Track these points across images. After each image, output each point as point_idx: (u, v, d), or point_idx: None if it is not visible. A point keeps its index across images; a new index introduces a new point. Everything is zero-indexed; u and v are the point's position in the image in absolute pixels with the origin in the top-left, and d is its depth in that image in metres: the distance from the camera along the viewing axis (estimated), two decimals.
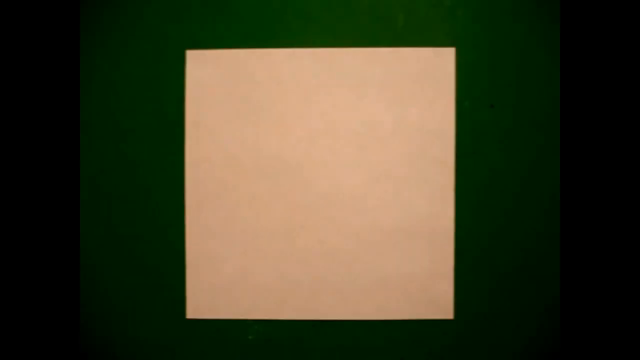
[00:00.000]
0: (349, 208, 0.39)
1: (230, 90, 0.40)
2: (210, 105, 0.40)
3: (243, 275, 0.40)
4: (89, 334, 0.37)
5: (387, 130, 0.39)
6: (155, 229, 0.39)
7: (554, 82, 0.39)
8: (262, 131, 0.40)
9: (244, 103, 0.40)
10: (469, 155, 0.40)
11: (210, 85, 0.40)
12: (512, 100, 0.39)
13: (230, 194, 0.40)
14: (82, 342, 0.38)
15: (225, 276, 0.40)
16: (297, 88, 0.40)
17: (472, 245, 0.40)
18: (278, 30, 0.40)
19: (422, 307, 0.40)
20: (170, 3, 0.40)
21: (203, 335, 0.40)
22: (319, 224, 0.40)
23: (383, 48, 0.39)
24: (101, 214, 0.40)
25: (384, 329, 0.40)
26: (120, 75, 0.40)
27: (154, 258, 0.40)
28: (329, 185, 0.40)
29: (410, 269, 0.39)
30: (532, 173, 0.40)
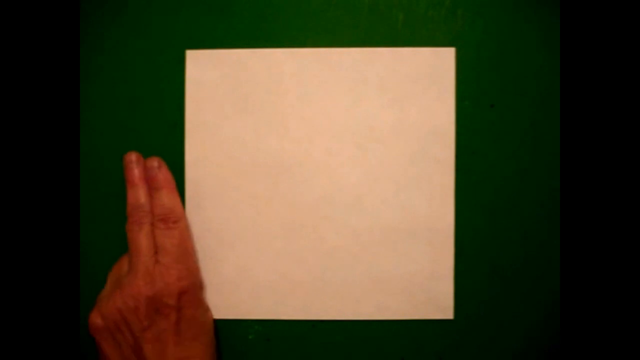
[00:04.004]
0: (349, 208, 0.39)
1: (230, 90, 0.40)
2: (210, 105, 0.40)
3: (243, 275, 0.40)
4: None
5: (387, 130, 0.39)
6: None
7: (554, 82, 0.39)
8: (262, 131, 0.40)
9: (244, 103, 0.40)
10: (469, 155, 0.40)
11: (210, 85, 0.40)
12: (512, 100, 0.39)
13: (230, 193, 0.40)
14: (82, 342, 0.37)
15: (225, 276, 0.40)
16: (297, 88, 0.40)
17: (472, 245, 0.40)
18: (278, 30, 0.40)
19: (422, 307, 0.40)
20: (170, 3, 0.40)
21: None
22: (318, 223, 0.40)
23: (383, 48, 0.39)
24: (101, 214, 0.40)
25: (384, 329, 0.40)
26: (120, 75, 0.40)
27: None
28: (329, 185, 0.40)
29: (410, 269, 0.39)
30: (532, 173, 0.40)
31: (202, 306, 0.37)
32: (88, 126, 0.40)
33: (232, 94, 0.40)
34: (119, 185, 0.40)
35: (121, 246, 0.39)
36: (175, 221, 0.37)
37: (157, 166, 0.38)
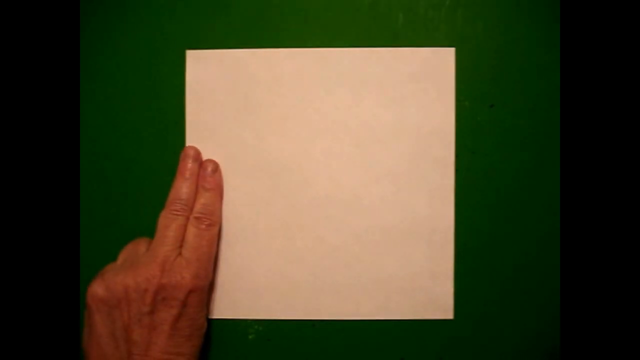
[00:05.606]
0: (349, 208, 0.39)
1: (230, 90, 0.40)
2: (210, 105, 0.40)
3: (243, 275, 0.40)
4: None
5: (387, 130, 0.39)
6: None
7: (554, 82, 0.39)
8: (262, 131, 0.40)
9: (244, 103, 0.40)
10: (469, 155, 0.40)
11: (210, 85, 0.40)
12: (512, 100, 0.39)
13: (230, 193, 0.40)
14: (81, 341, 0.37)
15: (225, 276, 0.40)
16: (297, 88, 0.40)
17: (472, 245, 0.40)
18: (278, 30, 0.40)
19: (422, 307, 0.40)
20: (170, 3, 0.40)
21: None
22: (318, 223, 0.40)
23: (383, 48, 0.39)
24: (101, 214, 0.40)
25: (384, 329, 0.40)
26: (120, 75, 0.40)
27: None
28: (329, 185, 0.40)
29: (410, 269, 0.39)
30: (532, 173, 0.40)
31: (203, 310, 0.37)
32: (88, 126, 0.40)
33: (232, 94, 0.40)
34: (119, 185, 0.40)
35: (121, 245, 0.39)
36: (209, 224, 0.37)
37: (213, 169, 0.39)
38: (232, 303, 0.40)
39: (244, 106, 0.40)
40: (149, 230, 0.38)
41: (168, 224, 0.37)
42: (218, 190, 0.39)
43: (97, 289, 0.35)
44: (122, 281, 0.35)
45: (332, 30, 0.40)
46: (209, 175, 0.39)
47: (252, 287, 0.40)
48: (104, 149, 0.40)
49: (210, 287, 0.39)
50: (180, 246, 0.36)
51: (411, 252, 0.39)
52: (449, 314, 0.40)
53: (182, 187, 0.38)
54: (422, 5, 0.39)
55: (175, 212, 0.37)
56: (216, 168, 0.39)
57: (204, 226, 0.37)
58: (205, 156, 0.40)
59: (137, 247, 0.38)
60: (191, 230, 0.37)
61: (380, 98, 0.39)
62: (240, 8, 0.40)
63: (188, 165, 0.39)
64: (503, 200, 0.40)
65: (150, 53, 0.40)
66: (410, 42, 0.39)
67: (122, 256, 0.38)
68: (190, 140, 0.40)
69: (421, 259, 0.39)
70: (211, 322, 0.40)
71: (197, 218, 0.37)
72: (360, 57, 0.39)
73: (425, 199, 0.39)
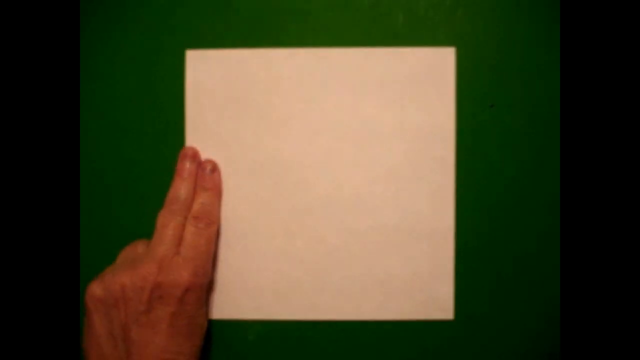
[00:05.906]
0: (349, 208, 0.39)
1: (230, 90, 0.40)
2: (210, 105, 0.40)
3: (243, 275, 0.40)
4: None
5: (387, 130, 0.39)
6: None
7: (554, 81, 0.39)
8: (262, 131, 0.40)
9: (244, 103, 0.40)
10: (469, 155, 0.40)
11: (210, 85, 0.40)
12: (512, 100, 0.39)
13: (230, 193, 0.40)
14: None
15: (225, 276, 0.40)
16: (297, 88, 0.40)
17: (472, 245, 0.40)
18: (278, 30, 0.40)
19: (422, 307, 0.40)
20: (170, 3, 0.40)
21: None
22: (319, 223, 0.40)
23: (383, 48, 0.39)
24: (101, 214, 0.40)
25: (384, 329, 0.40)
26: (120, 75, 0.40)
27: None
28: (329, 185, 0.40)
29: (411, 269, 0.39)
30: (532, 173, 0.40)
31: (202, 308, 0.37)
32: (88, 126, 0.40)
33: (232, 94, 0.40)
34: (119, 185, 0.40)
35: (121, 245, 0.39)
36: (208, 224, 0.38)
37: (211, 169, 0.39)
38: (232, 303, 0.40)
39: (244, 106, 0.40)
40: (148, 231, 0.38)
41: (166, 223, 0.37)
42: (216, 190, 0.39)
43: (95, 289, 0.35)
44: (119, 280, 0.35)
45: (332, 30, 0.40)
46: (208, 175, 0.39)
47: (252, 287, 0.40)
48: (104, 149, 0.40)
49: (210, 287, 0.39)
50: (179, 245, 0.36)
51: (411, 252, 0.39)
52: (449, 314, 0.40)
53: (180, 188, 0.38)
54: (422, 5, 0.39)
55: (172, 213, 0.37)
56: (215, 168, 0.39)
57: (202, 225, 0.37)
58: (205, 156, 0.40)
59: (135, 248, 0.38)
60: (189, 229, 0.37)
61: (380, 98, 0.39)
62: (240, 8, 0.40)
63: (186, 166, 0.39)
64: (503, 200, 0.40)
65: (150, 53, 0.40)
66: (410, 42, 0.39)
67: (120, 258, 0.38)
68: (190, 140, 0.40)
69: (421, 259, 0.39)
70: (211, 323, 0.40)
71: (195, 217, 0.37)
72: (360, 57, 0.39)
73: (426, 198, 0.39)
